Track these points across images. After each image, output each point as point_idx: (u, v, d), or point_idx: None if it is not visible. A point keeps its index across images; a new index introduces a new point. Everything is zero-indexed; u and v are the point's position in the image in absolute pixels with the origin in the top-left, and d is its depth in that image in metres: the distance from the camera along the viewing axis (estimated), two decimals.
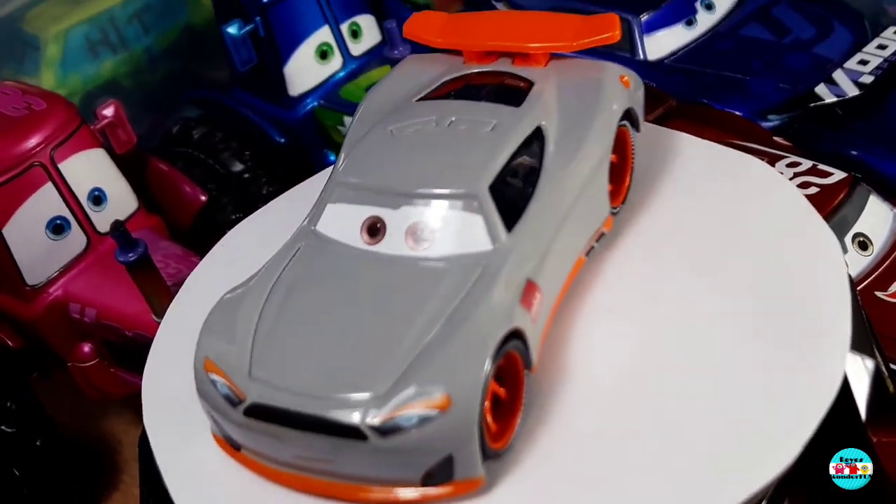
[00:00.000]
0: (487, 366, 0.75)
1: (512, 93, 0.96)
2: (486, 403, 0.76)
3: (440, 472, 0.77)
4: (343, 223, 0.89)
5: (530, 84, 0.97)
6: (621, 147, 0.99)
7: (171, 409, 0.93)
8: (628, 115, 0.99)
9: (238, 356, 0.82)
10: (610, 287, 0.95)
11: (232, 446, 0.85)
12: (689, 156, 1.10)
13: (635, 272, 0.97)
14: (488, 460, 0.78)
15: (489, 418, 0.77)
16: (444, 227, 0.86)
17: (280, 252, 0.90)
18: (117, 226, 1.20)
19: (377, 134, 0.94)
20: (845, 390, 0.89)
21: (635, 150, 1.02)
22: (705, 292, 0.94)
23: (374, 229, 0.87)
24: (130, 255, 1.24)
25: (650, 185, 1.06)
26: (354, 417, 0.75)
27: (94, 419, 1.66)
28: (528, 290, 0.83)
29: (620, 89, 0.99)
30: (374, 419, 0.75)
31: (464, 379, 0.75)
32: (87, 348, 1.55)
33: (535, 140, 0.91)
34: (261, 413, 0.79)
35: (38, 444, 1.44)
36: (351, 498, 0.79)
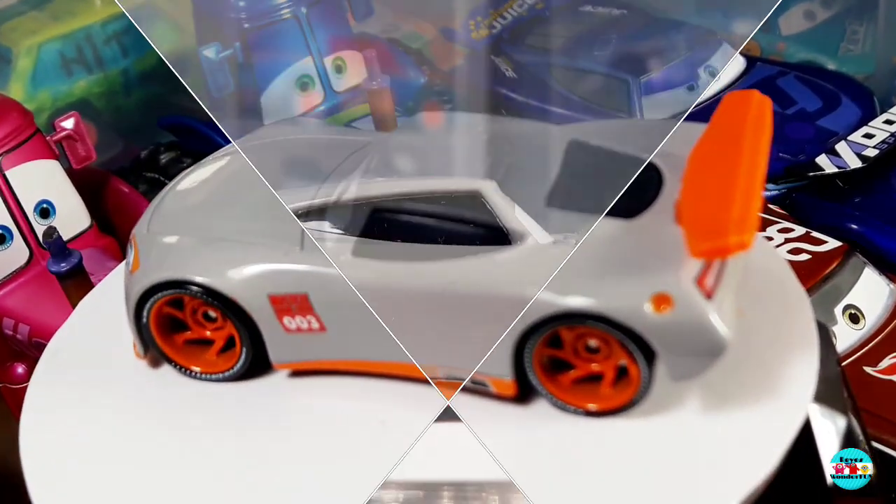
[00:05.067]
0: (156, 278, 0.87)
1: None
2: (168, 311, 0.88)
3: None
4: None
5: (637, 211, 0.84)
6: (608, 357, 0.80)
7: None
8: (628, 333, 0.76)
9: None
10: None
11: None
12: None
13: None
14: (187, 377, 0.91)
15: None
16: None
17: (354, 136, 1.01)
18: (51, 232, 1.12)
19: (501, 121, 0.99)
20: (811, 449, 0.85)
21: (645, 390, 0.80)
22: None
23: None
24: (63, 265, 1.18)
25: None
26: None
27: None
28: (297, 301, 0.81)
29: (632, 297, 0.76)
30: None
31: (155, 270, 0.87)
32: (20, 369, 1.46)
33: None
34: None
35: None
36: None
